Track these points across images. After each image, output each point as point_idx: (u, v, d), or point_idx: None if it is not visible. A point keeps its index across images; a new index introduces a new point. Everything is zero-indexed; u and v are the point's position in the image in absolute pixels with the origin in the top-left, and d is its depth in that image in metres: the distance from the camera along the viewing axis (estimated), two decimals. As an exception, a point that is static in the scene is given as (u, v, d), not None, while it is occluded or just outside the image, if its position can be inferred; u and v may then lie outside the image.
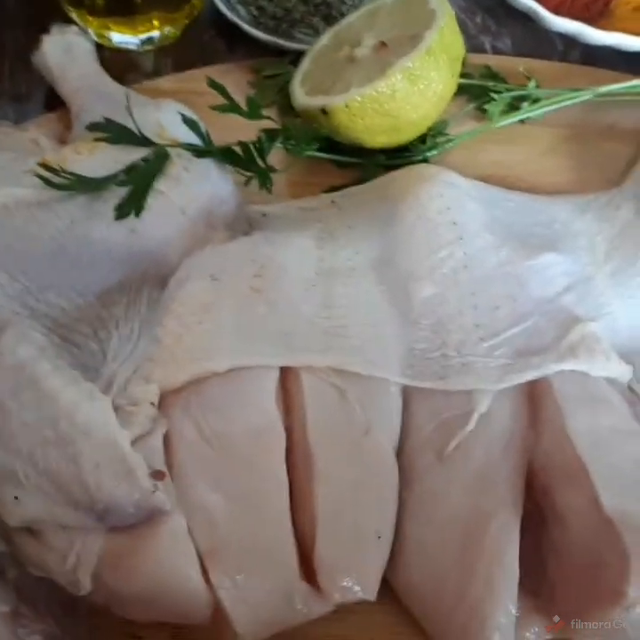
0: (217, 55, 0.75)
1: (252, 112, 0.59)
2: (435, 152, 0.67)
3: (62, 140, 0.66)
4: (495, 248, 0.57)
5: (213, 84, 0.58)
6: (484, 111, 0.70)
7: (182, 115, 0.60)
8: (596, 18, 0.77)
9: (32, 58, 0.69)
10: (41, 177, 0.53)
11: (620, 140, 0.72)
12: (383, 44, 0.63)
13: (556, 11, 0.76)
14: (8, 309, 0.52)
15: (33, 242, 0.53)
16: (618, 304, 0.57)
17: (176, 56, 0.75)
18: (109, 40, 0.74)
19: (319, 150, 0.64)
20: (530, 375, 0.51)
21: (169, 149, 0.57)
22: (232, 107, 0.58)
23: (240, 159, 0.60)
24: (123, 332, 0.53)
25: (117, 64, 0.73)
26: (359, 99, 0.61)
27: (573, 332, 0.52)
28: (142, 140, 0.57)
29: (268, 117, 0.62)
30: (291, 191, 0.66)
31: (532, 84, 0.71)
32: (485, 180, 0.65)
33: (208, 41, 0.76)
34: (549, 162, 0.70)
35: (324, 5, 0.76)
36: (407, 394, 0.52)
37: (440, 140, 0.68)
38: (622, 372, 0.52)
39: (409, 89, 0.60)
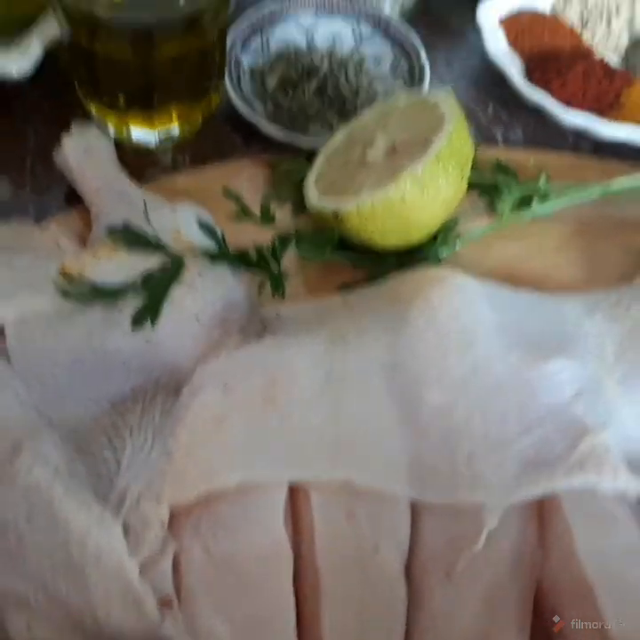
0: (233, 149, 0.76)
1: (265, 218, 0.60)
2: (445, 252, 0.68)
3: (82, 238, 0.68)
4: (505, 354, 0.56)
5: (228, 193, 0.60)
6: (495, 208, 0.71)
7: (198, 220, 0.62)
8: (606, 110, 0.78)
9: (54, 156, 0.70)
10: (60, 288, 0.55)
11: (633, 234, 0.72)
12: (394, 148, 0.64)
13: (568, 103, 0.77)
14: (24, 420, 0.53)
15: (50, 353, 0.54)
16: (628, 411, 0.56)
17: (193, 151, 0.76)
18: (128, 136, 0.76)
19: (332, 250, 0.65)
20: (539, 490, 0.50)
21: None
22: (246, 214, 0.60)
23: (254, 263, 0.61)
24: (136, 440, 0.54)
25: (135, 159, 0.74)
26: (370, 203, 0.62)
27: (583, 443, 0.52)
28: (158, 249, 0.59)
29: (281, 223, 0.62)
30: (305, 289, 0.67)
31: (542, 179, 0.72)
32: (495, 275, 0.65)
33: (224, 136, 0.77)
34: (560, 257, 0.71)
35: (337, 100, 0.77)
36: (416, 507, 0.52)
37: (451, 236, 0.68)
38: (632, 485, 0.51)
39: (418, 195, 0.61)
